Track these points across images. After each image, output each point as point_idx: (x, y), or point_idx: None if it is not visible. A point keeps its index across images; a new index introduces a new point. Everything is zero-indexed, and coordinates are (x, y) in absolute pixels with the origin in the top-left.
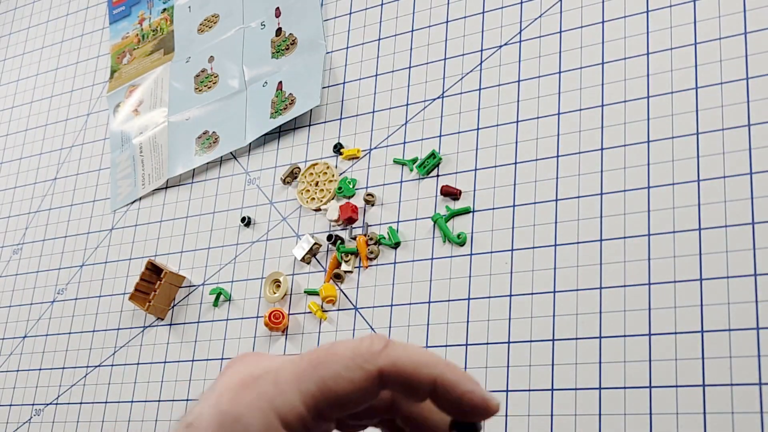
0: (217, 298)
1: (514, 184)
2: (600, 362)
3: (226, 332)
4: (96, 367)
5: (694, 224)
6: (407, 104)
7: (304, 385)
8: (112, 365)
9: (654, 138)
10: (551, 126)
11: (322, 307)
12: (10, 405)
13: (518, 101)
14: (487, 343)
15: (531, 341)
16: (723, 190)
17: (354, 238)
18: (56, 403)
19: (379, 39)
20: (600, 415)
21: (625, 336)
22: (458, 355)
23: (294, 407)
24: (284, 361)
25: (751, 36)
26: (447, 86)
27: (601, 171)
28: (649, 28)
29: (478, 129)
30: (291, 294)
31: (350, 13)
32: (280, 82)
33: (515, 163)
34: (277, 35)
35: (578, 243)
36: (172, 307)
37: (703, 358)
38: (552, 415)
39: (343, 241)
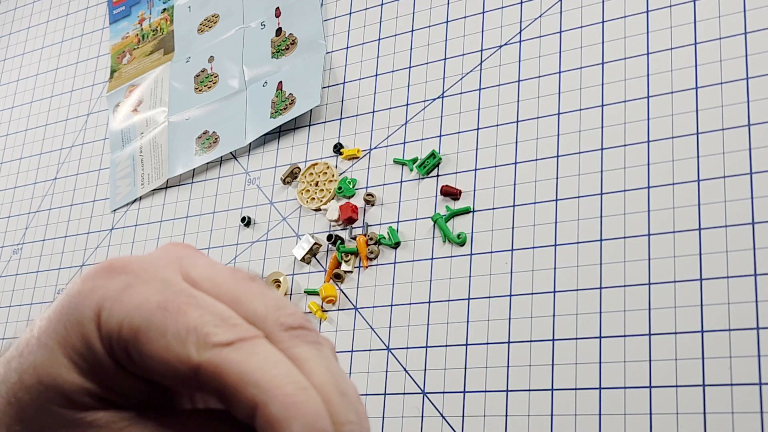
0: None
1: (514, 184)
2: (600, 362)
3: None
4: None
5: (694, 224)
6: (407, 104)
7: (135, 313)
8: None
9: (654, 138)
10: (551, 126)
11: (322, 307)
12: None
13: (518, 101)
14: (487, 343)
15: (531, 341)
16: (723, 190)
17: (354, 238)
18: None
19: (379, 39)
20: (600, 415)
21: (625, 336)
22: (458, 355)
23: (111, 321)
24: (154, 276)
25: (751, 36)
26: (447, 86)
27: (601, 171)
28: (649, 28)
29: (478, 129)
30: (291, 294)
31: (350, 13)
32: (280, 82)
33: (515, 163)
34: (277, 35)
35: (578, 243)
36: None
37: (703, 358)
38: (552, 415)
39: (343, 241)
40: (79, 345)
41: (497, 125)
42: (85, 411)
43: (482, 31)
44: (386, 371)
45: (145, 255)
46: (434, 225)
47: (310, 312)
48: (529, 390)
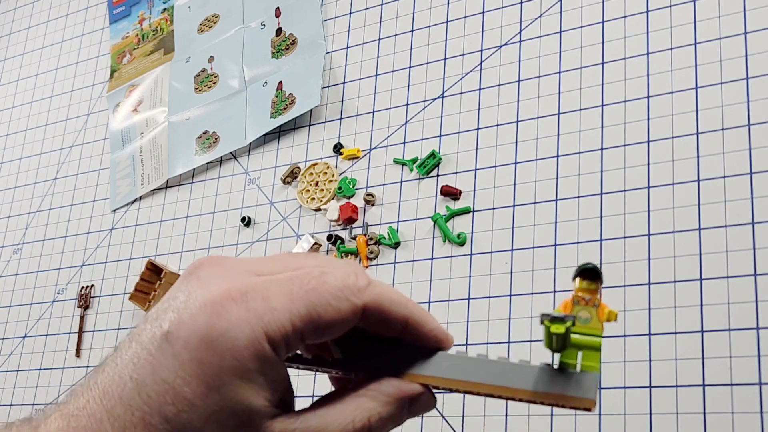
0: None
1: (514, 184)
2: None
3: None
4: (96, 367)
5: (694, 224)
6: (407, 104)
7: (295, 307)
8: None
9: (654, 138)
10: (551, 126)
11: None
12: (10, 405)
13: (518, 101)
14: (487, 343)
15: (531, 341)
16: (723, 190)
17: (354, 238)
18: (56, 403)
19: (379, 39)
20: (600, 415)
21: (625, 336)
22: None
23: (282, 326)
24: (270, 280)
25: (751, 36)
26: (447, 86)
27: (601, 171)
28: (649, 28)
29: (478, 129)
30: None
31: (350, 13)
32: (280, 82)
33: (515, 163)
34: (277, 35)
35: (578, 243)
36: None
37: (703, 358)
38: (552, 415)
39: (343, 241)
40: (254, 367)
41: (497, 125)
42: (266, 419)
43: (482, 31)
44: None
45: (200, 282)
46: (434, 225)
47: None
48: None
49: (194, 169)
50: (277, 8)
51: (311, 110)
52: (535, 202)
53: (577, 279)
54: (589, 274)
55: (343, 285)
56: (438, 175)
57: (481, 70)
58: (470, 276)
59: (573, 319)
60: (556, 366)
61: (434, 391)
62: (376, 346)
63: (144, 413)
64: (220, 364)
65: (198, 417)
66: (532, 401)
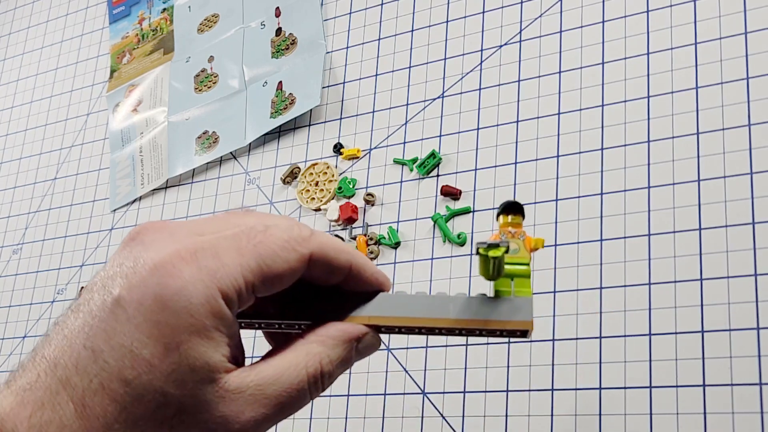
0: None
1: (514, 184)
2: (600, 362)
3: None
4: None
5: (694, 224)
6: (407, 104)
7: (245, 261)
8: None
9: (654, 138)
10: (551, 126)
11: None
12: None
13: (518, 101)
14: (487, 344)
15: (531, 341)
16: (723, 190)
17: (354, 238)
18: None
19: (379, 39)
20: (600, 415)
21: (625, 336)
22: (458, 356)
23: (235, 281)
24: (218, 237)
25: (751, 36)
26: (447, 86)
27: (601, 171)
28: (649, 28)
29: (478, 129)
30: None
31: (350, 13)
32: (280, 82)
33: (515, 163)
34: (277, 35)
35: (578, 243)
36: None
37: (703, 358)
38: (552, 415)
39: (343, 241)
40: (211, 324)
41: (497, 125)
42: (224, 374)
43: (482, 31)
44: (386, 371)
45: (153, 245)
46: (434, 225)
47: None
48: (529, 390)
49: (194, 169)
50: (277, 8)
51: (311, 110)
52: (535, 202)
53: (501, 216)
54: (512, 208)
55: (289, 236)
56: (438, 175)
57: (481, 70)
58: (470, 276)
59: (507, 244)
60: (491, 295)
61: (387, 332)
62: (320, 296)
63: (102, 379)
64: (177, 323)
65: (158, 377)
66: (474, 330)
